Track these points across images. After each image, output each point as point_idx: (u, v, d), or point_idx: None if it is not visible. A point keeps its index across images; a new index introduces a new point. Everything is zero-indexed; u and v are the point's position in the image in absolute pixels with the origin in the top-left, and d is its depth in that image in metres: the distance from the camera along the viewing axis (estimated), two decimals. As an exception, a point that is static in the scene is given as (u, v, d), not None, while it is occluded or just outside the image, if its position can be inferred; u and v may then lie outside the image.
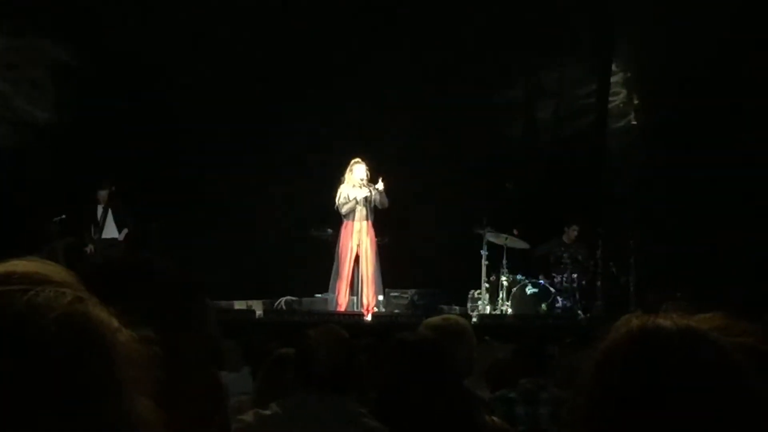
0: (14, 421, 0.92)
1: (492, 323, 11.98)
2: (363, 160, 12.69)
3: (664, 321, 1.28)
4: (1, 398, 0.92)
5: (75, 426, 0.93)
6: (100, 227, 13.58)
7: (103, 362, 0.96)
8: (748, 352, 1.28)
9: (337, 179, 12.75)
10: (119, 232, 13.63)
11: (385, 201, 12.59)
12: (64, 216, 13.28)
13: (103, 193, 13.59)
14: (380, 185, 12.49)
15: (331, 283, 12.98)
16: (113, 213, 13.61)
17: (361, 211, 12.59)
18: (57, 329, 0.94)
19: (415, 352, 3.62)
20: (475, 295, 13.25)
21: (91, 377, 0.95)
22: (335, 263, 12.86)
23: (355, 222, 12.62)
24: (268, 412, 3.76)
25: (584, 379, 1.29)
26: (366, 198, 12.51)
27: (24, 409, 0.92)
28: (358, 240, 12.61)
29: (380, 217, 12.83)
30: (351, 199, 12.53)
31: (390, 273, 13.13)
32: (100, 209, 13.63)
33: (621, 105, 15.54)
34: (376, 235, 12.81)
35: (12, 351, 0.94)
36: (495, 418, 4.01)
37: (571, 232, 13.84)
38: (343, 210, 12.65)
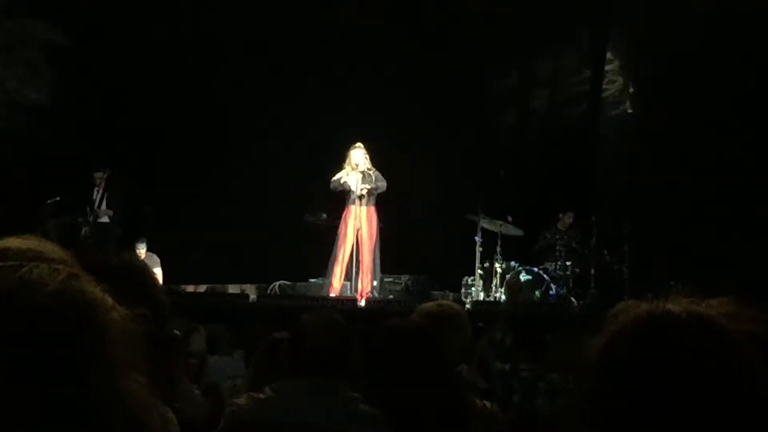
0: (7, 394, 0.92)
1: (485, 310, 11.98)
2: (363, 145, 12.68)
3: (673, 307, 1.26)
4: None
5: (68, 401, 0.93)
6: (95, 210, 13.56)
7: (96, 338, 0.96)
8: (756, 340, 1.27)
9: (333, 163, 12.74)
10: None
11: (383, 186, 12.61)
12: (58, 198, 13.24)
13: (99, 174, 13.57)
14: (379, 178, 12.53)
15: (328, 267, 12.97)
16: (108, 195, 13.59)
17: (360, 197, 12.58)
18: (50, 304, 0.94)
19: (404, 338, 3.62)
20: (469, 282, 13.27)
21: (84, 353, 0.95)
22: (333, 247, 12.86)
23: (354, 206, 12.61)
24: (261, 396, 3.76)
25: (590, 365, 1.28)
26: (365, 187, 12.51)
27: (17, 383, 0.92)
28: (358, 224, 12.60)
29: (379, 204, 12.82)
30: (346, 182, 12.53)
31: (384, 259, 13.13)
32: (96, 191, 13.61)
33: (617, 93, 15.53)
34: (377, 221, 12.80)
35: (4, 325, 0.93)
36: (487, 403, 4.00)
37: (566, 219, 13.86)
38: (333, 189, 12.65)
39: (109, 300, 0.99)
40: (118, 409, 0.97)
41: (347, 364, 3.84)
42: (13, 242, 1.01)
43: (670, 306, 1.26)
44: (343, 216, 12.76)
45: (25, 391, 0.92)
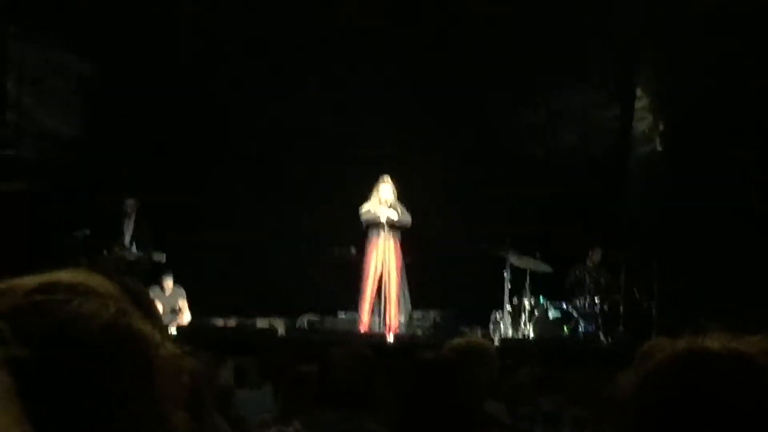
0: (54, 428, 0.93)
1: (514, 346, 11.93)
2: (391, 179, 12.69)
3: (711, 343, 1.25)
4: (40, 406, 0.93)
5: (114, 435, 0.94)
6: (124, 242, 13.53)
7: (143, 374, 0.97)
8: None
9: (361, 197, 12.76)
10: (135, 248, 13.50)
11: (408, 221, 12.61)
12: (87, 231, 13.28)
13: (131, 203, 13.49)
14: (404, 213, 12.55)
15: (359, 302, 12.95)
16: (134, 228, 13.55)
17: (386, 230, 12.58)
18: (99, 339, 0.95)
19: (433, 373, 3.62)
20: (497, 318, 13.22)
21: (131, 388, 0.96)
22: (361, 281, 12.84)
23: (380, 240, 12.60)
24: (290, 429, 3.77)
25: (626, 400, 1.27)
26: (389, 217, 12.52)
27: (64, 418, 0.94)
28: (383, 258, 12.59)
29: (403, 238, 12.82)
30: (375, 214, 12.54)
31: (412, 293, 13.11)
32: (125, 222, 13.55)
33: (646, 131, 15.49)
34: (403, 255, 12.79)
35: (53, 359, 0.95)
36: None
37: (595, 256, 13.81)
38: (364, 220, 12.65)
39: (158, 336, 1.01)
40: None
41: (374, 398, 3.84)
42: (63, 276, 1.02)
43: (708, 342, 1.26)
44: (367, 250, 12.75)
45: (72, 426, 0.94)
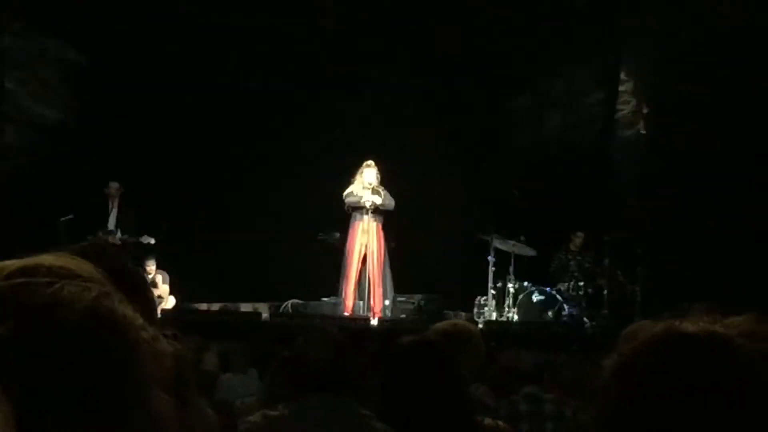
0: (36, 413, 0.93)
1: (498, 330, 11.97)
2: (375, 163, 12.69)
3: (689, 326, 1.25)
4: (22, 390, 0.93)
5: (97, 420, 0.93)
6: (108, 228, 13.51)
7: (126, 357, 0.96)
8: None
9: (346, 182, 12.76)
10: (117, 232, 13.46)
11: (391, 204, 12.61)
12: (71, 216, 13.24)
13: (114, 186, 13.43)
14: (387, 197, 12.54)
15: (339, 286, 12.97)
16: (118, 212, 13.51)
17: (369, 214, 12.58)
18: (81, 322, 0.94)
19: (419, 355, 3.62)
20: (482, 302, 13.26)
21: (113, 371, 0.95)
22: (343, 265, 12.84)
23: (362, 223, 12.60)
24: (275, 413, 3.77)
25: (604, 385, 1.27)
26: (373, 201, 12.51)
27: (46, 402, 0.93)
28: (366, 241, 12.59)
29: (387, 223, 12.83)
30: (358, 197, 12.54)
31: (397, 278, 13.13)
32: (110, 206, 13.51)
33: (630, 114, 15.52)
34: (385, 239, 12.80)
35: (34, 342, 0.94)
36: (500, 422, 4.00)
37: (576, 239, 13.85)
38: (348, 203, 12.64)
39: (140, 319, 1.00)
40: (147, 429, 0.97)
41: (351, 380, 3.85)
42: (46, 259, 1.01)
43: (685, 325, 1.26)
44: (350, 233, 12.76)
45: (52, 410, 0.93)
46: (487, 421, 3.81)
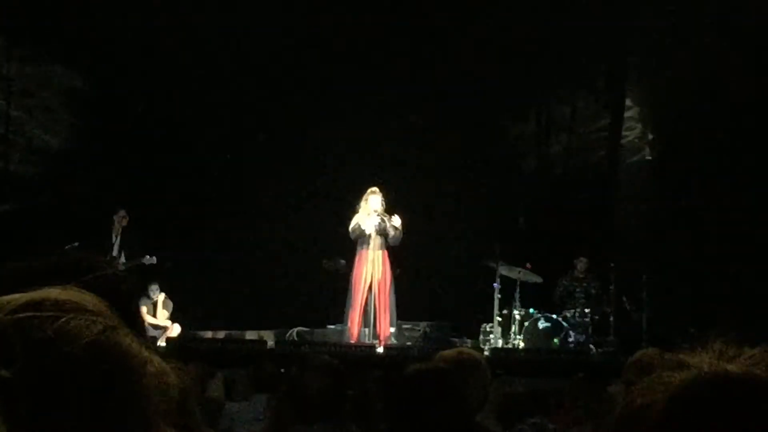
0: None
1: (504, 357, 11.92)
2: (380, 190, 12.67)
3: (732, 369, 1.19)
4: (28, 423, 0.92)
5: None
6: (113, 254, 13.50)
7: (130, 391, 0.96)
8: None
9: (352, 209, 12.74)
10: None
11: (399, 237, 12.55)
12: (76, 243, 13.23)
13: (120, 214, 13.43)
14: (396, 220, 12.47)
15: (345, 313, 12.92)
16: (121, 240, 13.50)
17: (375, 241, 12.53)
18: (85, 357, 0.94)
19: (427, 384, 3.61)
20: (488, 329, 13.22)
21: (118, 405, 0.95)
22: (349, 293, 12.81)
23: (369, 251, 12.55)
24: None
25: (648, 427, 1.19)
26: (378, 228, 12.48)
27: None
28: (372, 269, 12.56)
29: (393, 249, 12.80)
30: (362, 227, 12.51)
31: (402, 305, 13.09)
32: (113, 236, 13.52)
33: (636, 140, 15.53)
34: (391, 266, 12.76)
35: (38, 377, 0.94)
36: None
37: (581, 265, 13.82)
38: (354, 237, 12.63)
39: (146, 353, 1.00)
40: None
41: (350, 404, 3.84)
42: (52, 293, 1.01)
43: (728, 369, 1.19)
44: (357, 261, 12.71)
45: None
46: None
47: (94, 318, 0.99)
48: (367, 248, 12.57)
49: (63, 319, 0.97)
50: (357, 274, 12.66)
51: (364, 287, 12.56)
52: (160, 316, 13.62)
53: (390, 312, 12.74)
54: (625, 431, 1.20)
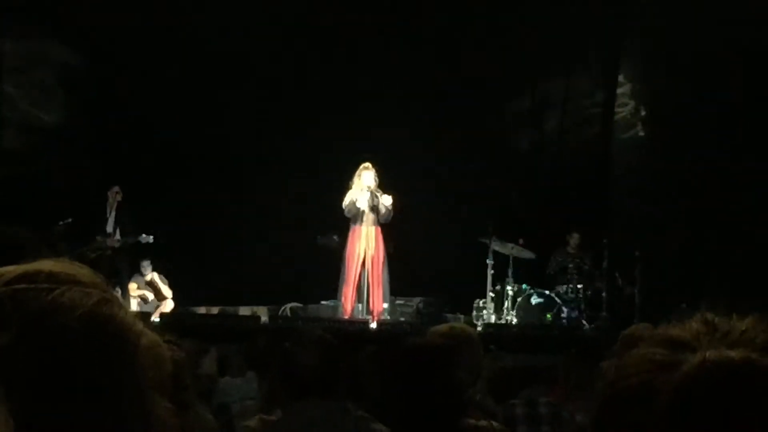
0: (35, 416, 0.93)
1: (497, 333, 11.97)
2: (372, 166, 12.65)
3: (731, 354, 1.14)
4: (23, 394, 0.93)
5: (97, 424, 0.94)
6: (107, 231, 13.48)
7: (125, 363, 0.97)
8: None
9: (345, 185, 12.73)
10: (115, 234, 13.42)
11: (389, 216, 12.55)
12: (70, 219, 13.20)
13: (113, 190, 13.37)
14: (387, 200, 12.46)
15: (338, 289, 12.95)
16: (116, 215, 13.48)
17: (368, 217, 12.54)
18: (80, 328, 0.95)
19: (420, 358, 3.62)
20: (480, 305, 13.25)
21: (112, 377, 0.96)
22: (342, 269, 12.83)
23: (362, 227, 12.57)
24: (273, 418, 3.78)
25: (656, 415, 1.13)
26: (371, 205, 12.48)
27: (44, 406, 0.93)
28: (365, 245, 12.57)
29: (386, 225, 12.80)
30: (356, 204, 12.51)
31: (395, 281, 13.11)
32: (108, 210, 13.48)
33: (628, 116, 15.53)
34: (384, 242, 12.77)
35: (33, 347, 0.95)
36: (494, 423, 4.00)
37: (573, 241, 13.85)
38: (347, 214, 12.63)
39: (140, 325, 1.01)
40: (146, 432, 0.98)
41: (342, 379, 3.85)
42: (46, 265, 1.02)
43: (728, 354, 1.14)
44: (350, 237, 12.73)
45: (52, 415, 0.93)
46: (483, 423, 3.81)
47: (89, 290, 1.00)
48: (361, 224, 12.58)
49: (58, 291, 0.98)
50: (350, 250, 12.68)
51: (357, 263, 12.58)
52: (165, 292, 13.67)
53: (383, 287, 12.77)
54: (615, 412, 1.17)
